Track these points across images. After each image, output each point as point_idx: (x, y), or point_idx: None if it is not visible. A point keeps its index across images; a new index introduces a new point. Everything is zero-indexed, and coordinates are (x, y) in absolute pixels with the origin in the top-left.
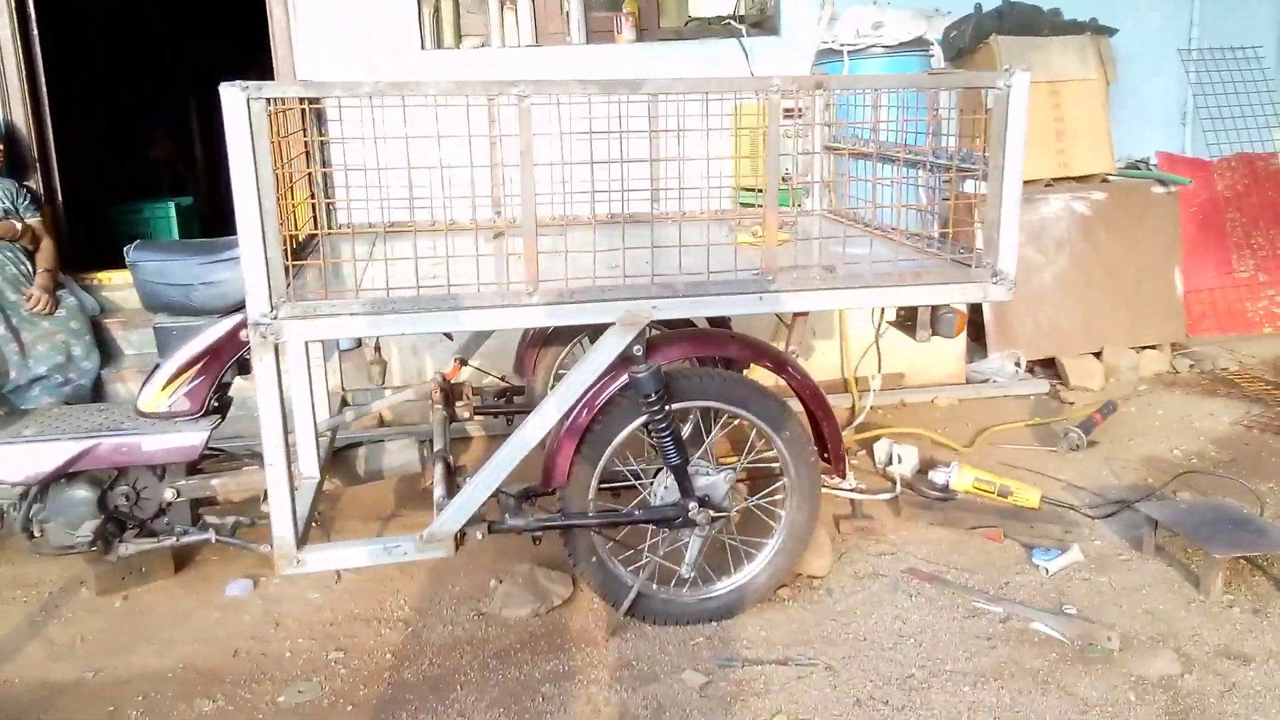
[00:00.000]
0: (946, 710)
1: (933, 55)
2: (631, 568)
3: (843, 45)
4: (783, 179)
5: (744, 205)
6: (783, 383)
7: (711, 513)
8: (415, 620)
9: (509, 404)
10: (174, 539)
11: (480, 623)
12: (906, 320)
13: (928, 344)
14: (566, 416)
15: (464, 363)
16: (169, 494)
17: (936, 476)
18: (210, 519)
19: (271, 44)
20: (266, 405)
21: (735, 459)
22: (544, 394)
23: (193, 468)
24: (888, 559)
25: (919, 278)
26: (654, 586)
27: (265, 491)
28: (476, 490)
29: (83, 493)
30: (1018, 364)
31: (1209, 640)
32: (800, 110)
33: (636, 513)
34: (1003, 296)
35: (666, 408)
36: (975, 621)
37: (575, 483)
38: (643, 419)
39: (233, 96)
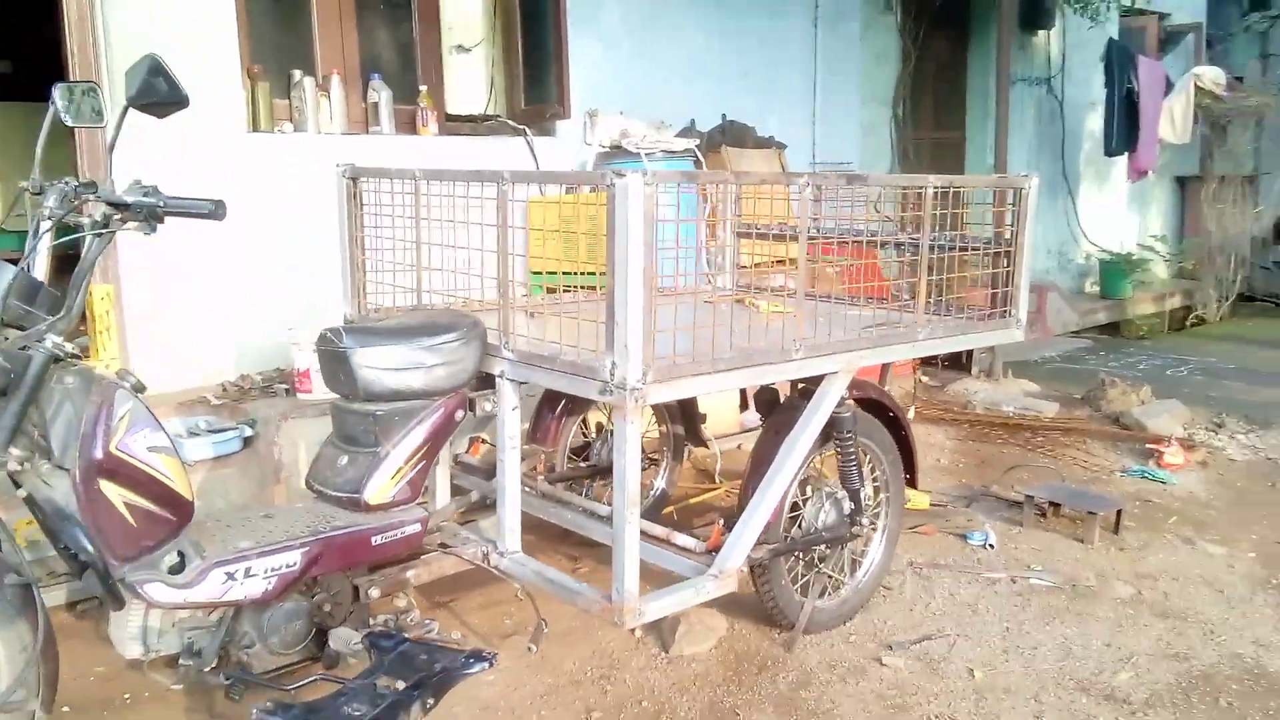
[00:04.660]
0: (1055, 642)
1: (695, 159)
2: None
3: (639, 149)
4: None
5: (539, 290)
6: None
7: (867, 528)
8: (614, 673)
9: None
10: None
11: (677, 661)
12: (948, 362)
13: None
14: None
15: (483, 441)
16: (375, 591)
17: None
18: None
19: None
20: (629, 464)
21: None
22: (563, 463)
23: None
24: None
25: (985, 326)
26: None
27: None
28: (750, 528)
29: (295, 604)
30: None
31: (1122, 571)
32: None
33: (824, 534)
34: (1020, 337)
35: (855, 441)
36: (999, 587)
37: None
38: (813, 455)
39: (635, 183)
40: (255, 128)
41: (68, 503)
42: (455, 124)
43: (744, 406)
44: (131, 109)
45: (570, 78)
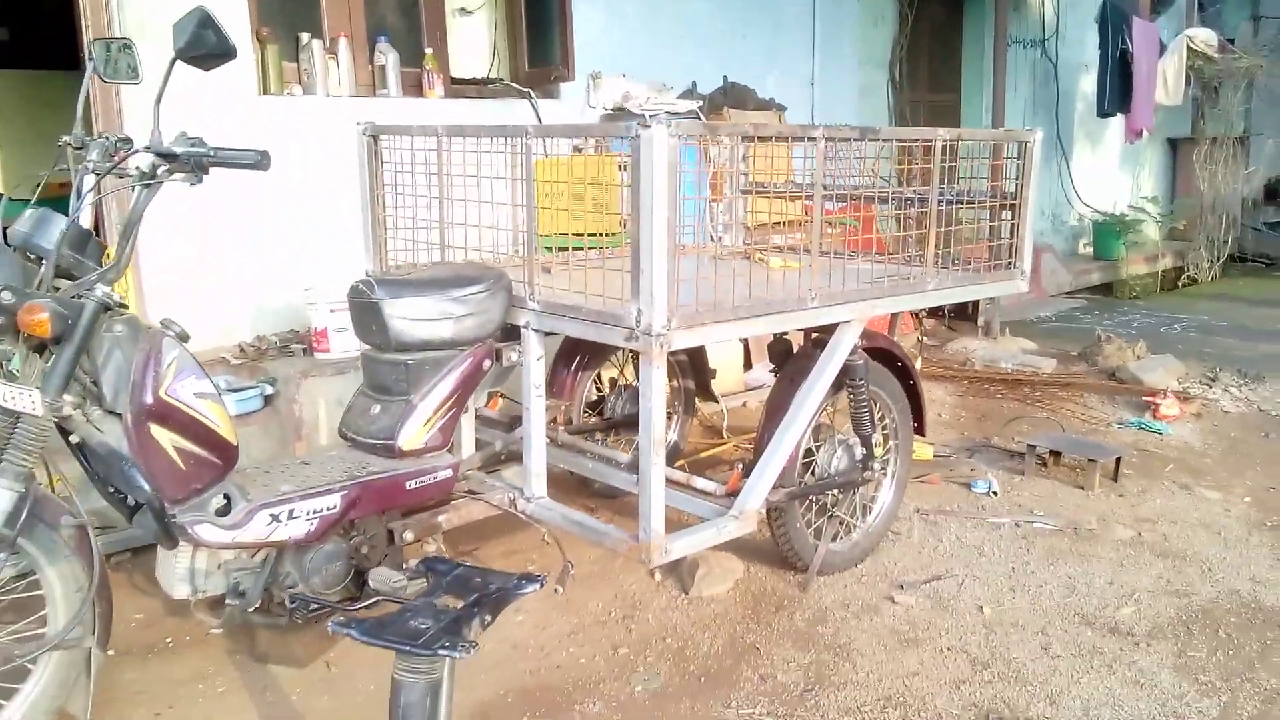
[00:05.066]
0: (1060, 581)
1: (701, 120)
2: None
3: (642, 110)
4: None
5: (548, 250)
6: None
7: (878, 472)
8: (637, 614)
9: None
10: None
11: (697, 602)
12: (955, 314)
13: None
14: None
15: (502, 395)
16: (409, 534)
17: None
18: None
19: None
20: (654, 407)
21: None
22: (579, 416)
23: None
24: None
25: (991, 276)
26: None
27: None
28: (769, 470)
29: (335, 545)
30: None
31: (1122, 515)
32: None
33: (837, 478)
34: (1025, 288)
35: (867, 388)
36: (1003, 531)
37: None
38: (826, 402)
39: (660, 134)
40: (265, 90)
41: (120, 445)
42: (460, 86)
43: (747, 366)
44: (180, 61)
45: (574, 40)
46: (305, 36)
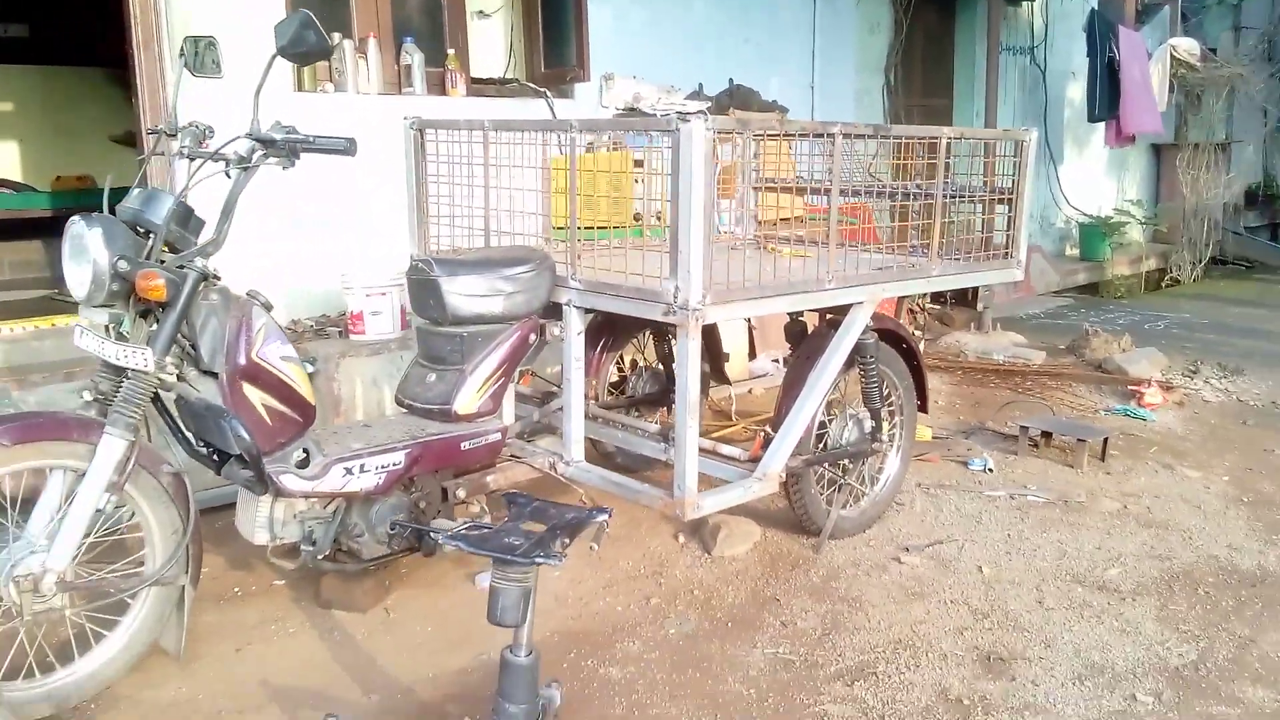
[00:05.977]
0: (1052, 546)
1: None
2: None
3: (653, 110)
4: (636, 217)
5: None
6: None
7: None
8: (665, 570)
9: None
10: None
11: (719, 561)
12: (955, 301)
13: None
14: None
15: (532, 373)
16: (461, 492)
17: None
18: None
19: (138, 81)
20: (691, 374)
21: None
22: (603, 394)
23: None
24: None
25: (989, 265)
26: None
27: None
28: (789, 436)
29: (398, 499)
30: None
31: (1109, 490)
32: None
33: (849, 448)
34: (1020, 276)
35: (877, 365)
36: (999, 503)
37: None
38: (840, 377)
39: (698, 128)
40: (300, 88)
41: (216, 401)
42: (480, 86)
43: (752, 355)
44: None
45: (589, 42)
46: (336, 36)
